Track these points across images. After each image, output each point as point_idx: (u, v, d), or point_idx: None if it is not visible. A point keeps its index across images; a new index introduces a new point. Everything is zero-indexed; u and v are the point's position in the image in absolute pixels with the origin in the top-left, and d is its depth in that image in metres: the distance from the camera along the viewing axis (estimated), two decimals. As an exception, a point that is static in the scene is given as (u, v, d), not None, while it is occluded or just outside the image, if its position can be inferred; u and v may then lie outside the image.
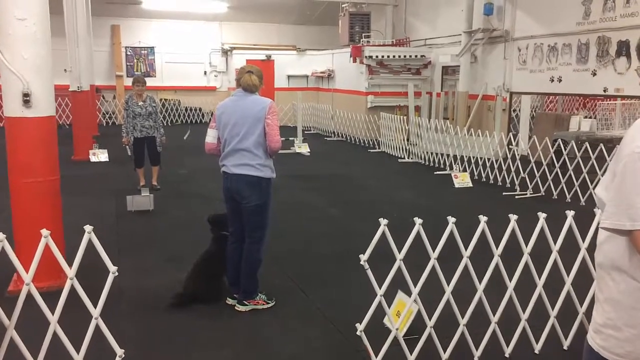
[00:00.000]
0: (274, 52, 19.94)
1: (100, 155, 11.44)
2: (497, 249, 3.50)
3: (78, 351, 3.14)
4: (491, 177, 9.52)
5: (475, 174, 9.81)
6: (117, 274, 3.06)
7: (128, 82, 18.72)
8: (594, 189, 7.67)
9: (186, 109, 20.01)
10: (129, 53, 20.00)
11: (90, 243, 3.02)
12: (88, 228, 3.02)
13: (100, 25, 18.36)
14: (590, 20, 10.78)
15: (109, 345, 3.21)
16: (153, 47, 20.11)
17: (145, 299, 4.61)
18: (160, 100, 19.21)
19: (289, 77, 19.90)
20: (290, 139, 13.78)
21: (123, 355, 3.24)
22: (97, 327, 3.13)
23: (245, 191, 4.28)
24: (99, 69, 18.03)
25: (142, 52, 20.14)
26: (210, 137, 4.48)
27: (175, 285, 4.73)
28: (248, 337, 3.98)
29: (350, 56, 15.56)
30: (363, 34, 16.28)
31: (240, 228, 4.43)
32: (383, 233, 3.29)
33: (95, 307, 3.09)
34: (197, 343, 3.88)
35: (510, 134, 11.99)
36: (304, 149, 13.03)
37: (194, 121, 19.92)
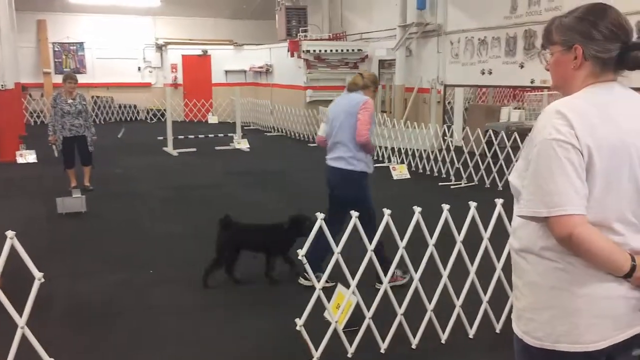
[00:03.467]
0: (211, 47, 19.63)
1: (27, 157, 10.90)
2: (431, 238, 3.58)
3: (4, 363, 2.98)
4: (427, 168, 9.75)
5: (413, 165, 10.01)
6: (43, 280, 2.93)
7: (56, 79, 17.98)
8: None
9: (120, 107, 19.39)
10: (56, 49, 19.16)
11: (14, 249, 2.88)
12: (10, 234, 2.87)
13: (25, 20, 17.49)
14: (517, 14, 11.20)
15: (39, 356, 3.07)
16: (82, 42, 19.33)
17: (77, 305, 4.44)
18: (92, 97, 18.53)
19: (226, 72, 19.64)
20: (229, 135, 13.62)
21: (53, 365, 3.11)
22: (24, 336, 2.98)
23: (338, 183, 4.56)
24: (24, 66, 17.16)
25: (71, 47, 19.33)
26: (321, 130, 4.82)
27: (108, 290, 4.57)
28: (189, 340, 3.91)
29: (288, 51, 15.52)
30: (300, 28, 16.26)
31: (337, 218, 4.37)
32: (320, 227, 3.32)
33: (20, 315, 2.95)
34: (134, 348, 3.78)
35: (445, 125, 12.30)
36: (243, 144, 12.91)
37: (128, 119, 19.34)
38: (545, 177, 1.65)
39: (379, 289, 3.53)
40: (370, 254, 3.45)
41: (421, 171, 9.83)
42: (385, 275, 3.56)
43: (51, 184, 8.77)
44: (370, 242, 3.44)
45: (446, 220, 3.60)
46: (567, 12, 1.81)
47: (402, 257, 3.51)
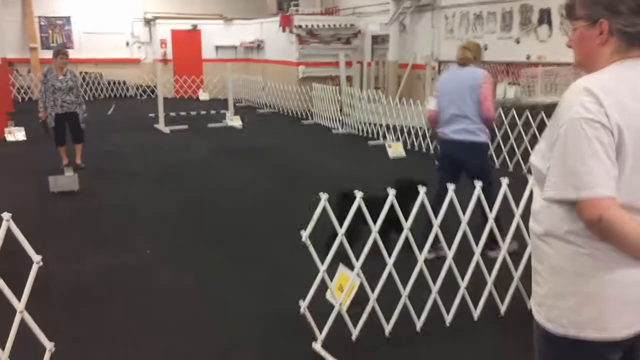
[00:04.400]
0: (200, 22, 19.27)
1: (16, 134, 10.71)
2: (436, 219, 3.53)
3: (3, 348, 2.91)
4: (424, 146, 9.68)
5: (408, 143, 9.94)
6: (41, 263, 2.84)
7: (44, 54, 17.63)
8: (521, 155, 7.95)
9: (109, 83, 19.06)
10: (42, 23, 18.71)
11: (10, 231, 2.78)
12: (6, 215, 2.77)
13: (9, -7, 17.03)
14: (514, -11, 11.05)
15: (38, 339, 3.00)
16: (69, 17, 18.89)
17: (75, 287, 4.36)
18: (80, 73, 18.15)
19: (217, 47, 19.32)
20: (222, 112, 13.44)
21: (53, 349, 3.04)
22: (23, 321, 2.91)
23: (465, 155, 4.68)
24: (10, 41, 16.71)
25: (58, 22, 18.90)
26: (432, 104, 4.88)
27: (104, 272, 4.50)
28: (188, 321, 3.85)
29: (280, 25, 15.26)
30: (292, 3, 15.98)
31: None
32: (324, 208, 3.25)
33: (19, 300, 2.87)
34: (133, 330, 3.72)
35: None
36: (236, 122, 12.75)
37: (117, 95, 19.03)
38: (574, 157, 1.58)
39: (418, 265, 3.50)
40: (490, 222, 3.66)
41: (417, 149, 9.76)
42: (496, 242, 3.77)
43: (41, 162, 8.61)
44: (491, 210, 3.65)
45: (450, 201, 3.54)
46: None
47: (406, 238, 3.45)
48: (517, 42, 11.11)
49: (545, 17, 10.47)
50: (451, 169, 4.77)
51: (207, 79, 18.79)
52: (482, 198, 3.66)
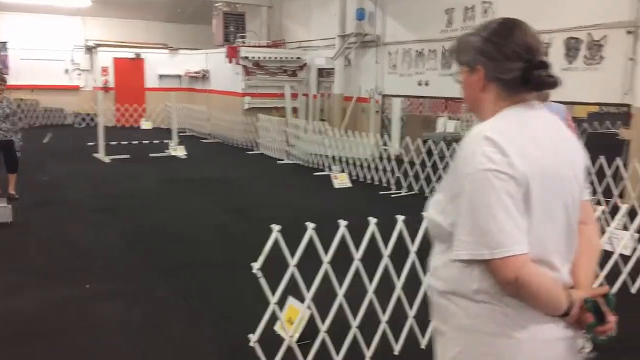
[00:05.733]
0: (144, 51, 19.05)
1: (-56, 162, 10.13)
2: (386, 249, 3.58)
3: None
4: (368, 177, 9.84)
5: (354, 174, 10.07)
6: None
7: (-24, 79, 16.87)
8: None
9: (45, 110, 18.42)
10: (-24, 48, 17.98)
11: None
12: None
13: (-60, 16, 16.33)
14: (453, 28, 11.55)
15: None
16: (5, 42, 18.23)
17: (10, 323, 4.12)
18: (15, 100, 17.48)
19: (160, 76, 19.11)
20: (165, 141, 13.23)
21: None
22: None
23: None
24: (-61, 64, 15.99)
25: (-7, 47, 18.21)
26: None
27: (42, 307, 4.28)
28: (132, 356, 3.70)
29: (226, 56, 15.29)
30: (238, 34, 16.08)
31: None
32: (275, 239, 3.24)
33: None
34: (73, 369, 3.54)
35: (385, 134, 12.49)
36: (180, 151, 12.56)
37: (55, 123, 18.41)
38: (483, 213, 1.46)
39: (368, 296, 3.49)
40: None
41: (362, 180, 9.91)
42: None
43: (-28, 192, 8.16)
44: None
45: (399, 231, 3.61)
46: (477, 28, 1.70)
47: (357, 268, 3.48)
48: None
49: (482, 55, 10.98)
50: None
51: (149, 108, 18.51)
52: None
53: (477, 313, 1.56)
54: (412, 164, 9.08)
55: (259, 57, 15.07)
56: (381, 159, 9.66)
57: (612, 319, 1.61)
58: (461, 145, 1.57)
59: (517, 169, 1.47)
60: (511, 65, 1.58)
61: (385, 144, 10.13)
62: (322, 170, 10.82)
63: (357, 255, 3.48)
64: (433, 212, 1.66)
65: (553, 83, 1.59)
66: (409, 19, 12.65)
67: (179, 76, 19.07)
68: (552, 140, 1.60)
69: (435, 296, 1.68)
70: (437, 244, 1.68)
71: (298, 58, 15.60)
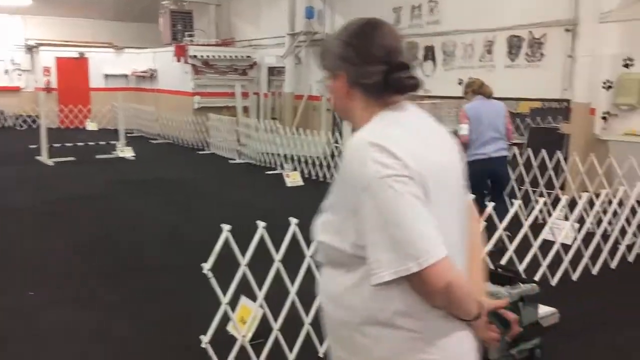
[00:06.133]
0: (88, 50, 18.49)
1: None
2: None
3: None
4: (320, 175, 9.88)
5: (306, 172, 10.10)
6: None
7: None
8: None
9: (-16, 112, 17.66)
10: None
11: None
12: None
13: None
14: (401, 27, 11.70)
15: None
16: (-61, 41, 17.37)
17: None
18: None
19: (106, 76, 18.60)
20: (112, 142, 12.90)
21: None
22: None
23: (504, 168, 6.07)
24: None
25: None
26: (466, 130, 5.73)
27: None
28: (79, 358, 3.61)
29: (174, 55, 15.03)
30: (186, 33, 15.83)
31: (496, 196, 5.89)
32: (226, 239, 3.22)
33: None
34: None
35: (337, 132, 12.56)
36: (127, 152, 12.27)
37: (-5, 125, 17.67)
38: (398, 223, 1.31)
39: (287, 299, 3.50)
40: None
41: (314, 177, 9.94)
42: None
43: None
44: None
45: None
46: (339, 30, 1.60)
47: (308, 266, 3.50)
48: (405, 76, 11.77)
49: (429, 53, 11.21)
50: (487, 182, 5.91)
51: (95, 109, 18.00)
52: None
53: (394, 343, 1.40)
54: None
55: (208, 56, 14.89)
56: (333, 156, 9.72)
57: (513, 319, 1.56)
58: (345, 157, 1.43)
59: (413, 169, 1.36)
60: (372, 69, 1.48)
61: (336, 142, 10.20)
62: (274, 169, 10.79)
63: (309, 252, 3.49)
64: (325, 235, 1.48)
65: (414, 85, 1.50)
66: (356, 16, 12.73)
67: (126, 76, 18.60)
68: (434, 138, 1.53)
69: (338, 328, 1.50)
70: (330, 269, 1.50)
71: (248, 57, 15.50)
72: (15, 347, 3.81)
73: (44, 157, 11.50)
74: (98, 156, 12.08)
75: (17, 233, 6.55)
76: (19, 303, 4.51)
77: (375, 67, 1.48)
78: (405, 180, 1.34)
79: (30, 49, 18.57)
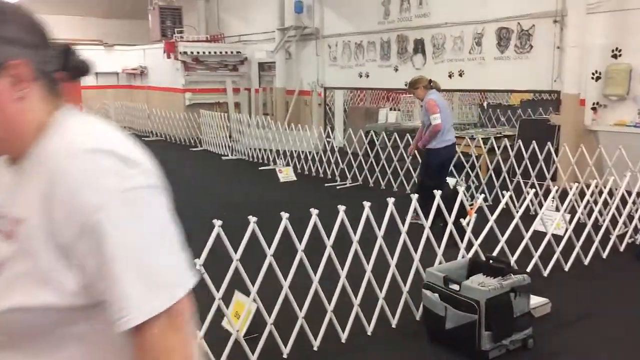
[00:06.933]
0: (78, 48, 18.22)
1: None
2: (328, 240, 3.63)
3: None
4: (313, 170, 9.89)
5: (298, 167, 10.11)
6: None
7: None
8: (404, 175, 8.38)
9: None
10: None
11: None
12: None
13: None
14: (390, 20, 11.75)
15: None
16: None
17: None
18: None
19: (97, 74, 18.48)
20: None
21: None
22: None
23: (455, 154, 6.86)
24: None
25: None
26: (439, 119, 6.20)
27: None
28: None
29: (164, 52, 14.98)
30: (175, 29, 15.77)
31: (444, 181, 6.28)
32: (217, 234, 3.22)
33: None
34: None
35: (328, 127, 12.57)
36: (119, 150, 12.21)
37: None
38: (151, 246, 1.02)
39: (280, 293, 3.51)
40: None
41: (307, 173, 9.95)
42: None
43: None
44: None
45: (341, 221, 3.66)
46: None
47: (301, 260, 3.52)
48: (396, 70, 11.78)
49: (419, 47, 11.22)
50: (446, 170, 6.48)
51: (86, 106, 17.90)
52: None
53: None
54: (355, 155, 9.20)
55: (198, 52, 14.85)
56: (325, 151, 9.73)
57: None
58: (52, 168, 1.01)
59: (157, 175, 1.10)
60: (50, 51, 1.11)
61: (328, 137, 10.21)
62: (267, 165, 10.80)
63: (301, 246, 3.51)
64: (13, 297, 1.00)
65: (87, 69, 1.21)
66: (346, 11, 12.76)
67: (117, 73, 18.52)
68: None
69: None
70: (29, 346, 1.04)
71: (238, 52, 15.46)
72: None
73: (34, 156, 11.42)
74: (89, 154, 12.02)
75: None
76: None
77: (50, 50, 1.11)
78: (152, 189, 1.06)
79: (19, 48, 18.42)
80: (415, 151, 6.89)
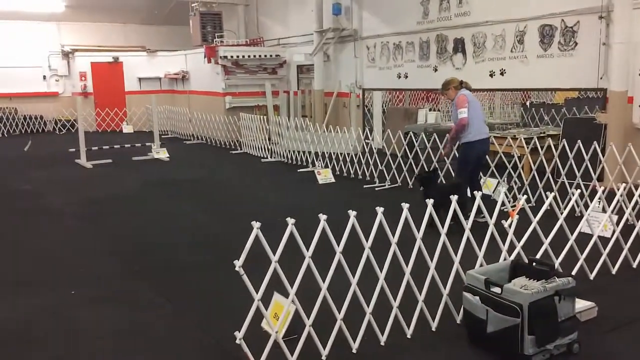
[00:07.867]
0: (122, 54, 18.89)
1: None
2: (366, 241, 3.61)
3: None
4: (352, 171, 9.88)
5: (337, 169, 10.11)
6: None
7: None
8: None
9: (25, 118, 18.24)
10: (-50, 57, 17.69)
11: None
12: None
13: None
14: (429, 20, 11.63)
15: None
16: (-20, 50, 18.00)
17: (-8, 334, 4.09)
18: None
19: (140, 79, 18.98)
20: (148, 144, 13.16)
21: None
22: None
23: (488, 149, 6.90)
24: None
25: (-33, 56, 17.92)
26: (466, 114, 6.41)
27: (26, 314, 4.26)
28: (119, 357, 3.70)
29: (205, 57, 15.24)
30: (216, 34, 16.03)
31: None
32: (256, 236, 3.25)
33: None
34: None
35: (367, 128, 12.52)
36: (162, 154, 12.50)
37: (34, 130, 18.24)
38: None
39: (319, 295, 3.52)
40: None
41: (345, 174, 9.94)
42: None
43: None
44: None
45: (380, 223, 3.64)
46: None
47: (339, 261, 3.52)
48: (435, 70, 11.65)
49: (459, 46, 11.07)
50: (480, 164, 6.77)
51: (130, 112, 18.40)
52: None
53: None
54: (394, 156, 9.14)
55: (238, 56, 15.05)
56: (364, 153, 9.70)
57: None
58: None
59: None
60: None
61: (367, 138, 10.17)
62: (306, 167, 10.83)
63: (339, 248, 3.51)
64: None
65: None
66: (385, 12, 12.70)
67: (159, 78, 18.95)
68: None
69: None
70: None
71: (277, 55, 15.59)
72: (55, 344, 3.93)
73: (82, 160, 11.81)
74: (134, 158, 12.34)
75: (57, 233, 6.76)
76: (60, 301, 4.65)
77: None
78: None
79: (66, 55, 19.08)
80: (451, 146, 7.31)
